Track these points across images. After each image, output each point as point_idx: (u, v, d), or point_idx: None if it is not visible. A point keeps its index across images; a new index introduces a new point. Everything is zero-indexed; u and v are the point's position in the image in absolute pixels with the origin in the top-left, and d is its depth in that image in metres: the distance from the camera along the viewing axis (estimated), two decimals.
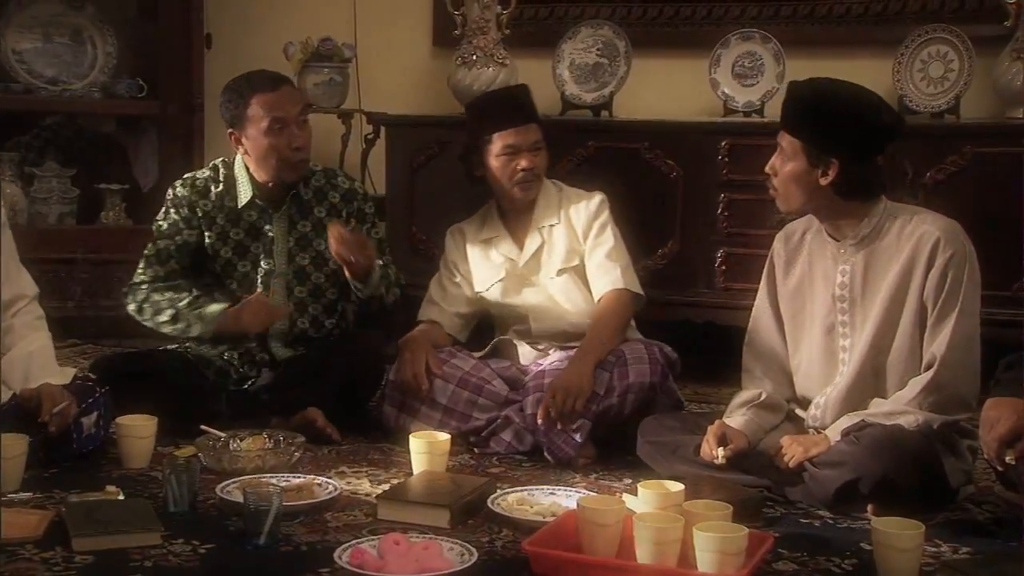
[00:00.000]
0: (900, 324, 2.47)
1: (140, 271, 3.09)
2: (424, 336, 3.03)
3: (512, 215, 3.09)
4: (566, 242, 3.03)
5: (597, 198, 3.06)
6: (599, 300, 2.97)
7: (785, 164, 2.49)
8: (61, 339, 4.03)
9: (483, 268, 3.10)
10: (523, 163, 2.97)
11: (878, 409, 2.46)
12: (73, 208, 4.33)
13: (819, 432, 2.52)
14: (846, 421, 2.46)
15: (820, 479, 2.39)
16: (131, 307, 3.07)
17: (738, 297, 3.51)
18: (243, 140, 2.99)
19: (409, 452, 2.63)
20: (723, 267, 3.64)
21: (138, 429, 2.67)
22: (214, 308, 2.98)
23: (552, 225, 3.04)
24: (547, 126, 3.08)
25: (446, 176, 3.91)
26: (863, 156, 2.46)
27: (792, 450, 2.47)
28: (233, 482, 2.45)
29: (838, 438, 2.43)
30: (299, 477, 2.53)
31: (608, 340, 2.88)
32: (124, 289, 3.11)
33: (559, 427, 2.76)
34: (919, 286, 2.44)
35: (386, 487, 2.55)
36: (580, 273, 3.03)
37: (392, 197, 4.04)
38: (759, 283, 2.73)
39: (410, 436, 2.65)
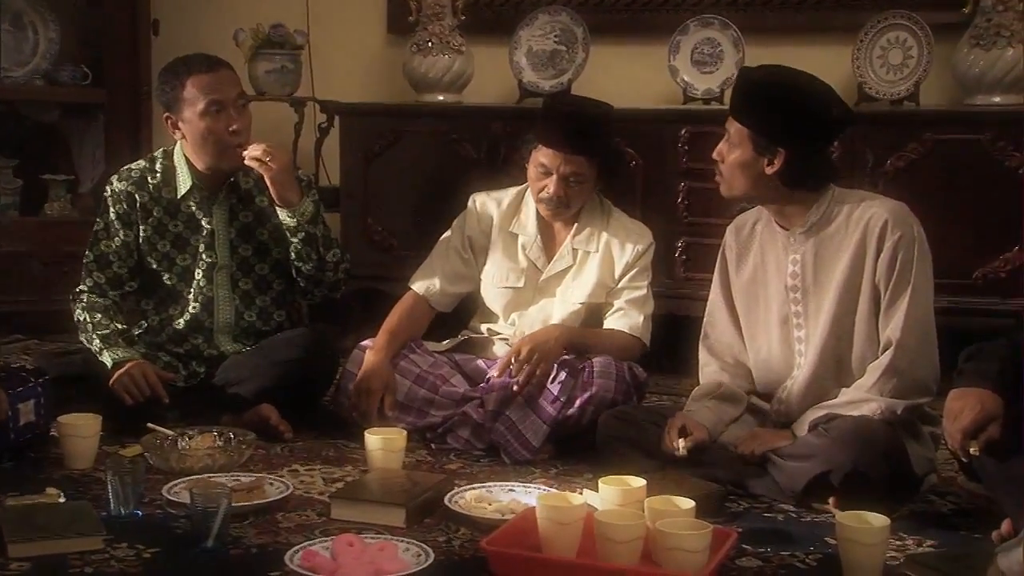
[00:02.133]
0: (857, 311, 2.44)
1: (82, 278, 3.00)
2: (384, 375, 2.84)
3: (550, 221, 2.93)
4: (598, 275, 2.88)
5: (646, 240, 2.92)
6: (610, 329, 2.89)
7: (732, 151, 2.46)
8: (4, 335, 3.96)
9: (503, 263, 2.96)
10: (551, 187, 2.82)
11: (840, 399, 2.43)
12: (15, 200, 4.20)
13: (784, 427, 2.49)
14: (812, 414, 2.43)
15: (789, 472, 2.36)
16: (75, 316, 2.97)
17: (699, 287, 3.45)
18: (179, 124, 2.90)
19: (364, 448, 2.56)
20: (683, 257, 3.60)
21: (81, 428, 2.58)
22: (113, 356, 2.84)
23: (589, 252, 2.90)
24: (606, 155, 2.87)
25: (402, 166, 3.87)
26: (810, 147, 2.44)
27: (759, 439, 2.45)
28: (180, 482, 2.38)
29: (804, 432, 2.40)
30: (250, 476, 2.46)
31: (595, 346, 2.83)
32: (71, 295, 3.01)
33: (514, 387, 2.71)
34: (871, 270, 2.41)
35: (340, 485, 2.48)
36: (598, 309, 2.91)
37: (347, 188, 3.95)
38: None
39: (365, 433, 2.58)
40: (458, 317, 3.12)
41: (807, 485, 2.33)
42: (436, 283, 2.98)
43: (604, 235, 2.91)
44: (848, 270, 2.43)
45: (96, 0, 4.23)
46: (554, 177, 2.81)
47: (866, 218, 2.43)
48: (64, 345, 3.82)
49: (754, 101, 2.44)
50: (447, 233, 3.03)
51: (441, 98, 3.98)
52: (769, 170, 2.42)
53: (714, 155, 2.51)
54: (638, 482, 2.22)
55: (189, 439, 2.63)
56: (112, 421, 2.70)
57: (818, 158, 2.47)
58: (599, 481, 2.24)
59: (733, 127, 2.46)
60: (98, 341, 2.87)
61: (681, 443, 2.45)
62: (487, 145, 3.76)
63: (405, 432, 2.60)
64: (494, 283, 2.97)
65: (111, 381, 2.79)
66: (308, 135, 4.20)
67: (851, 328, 2.45)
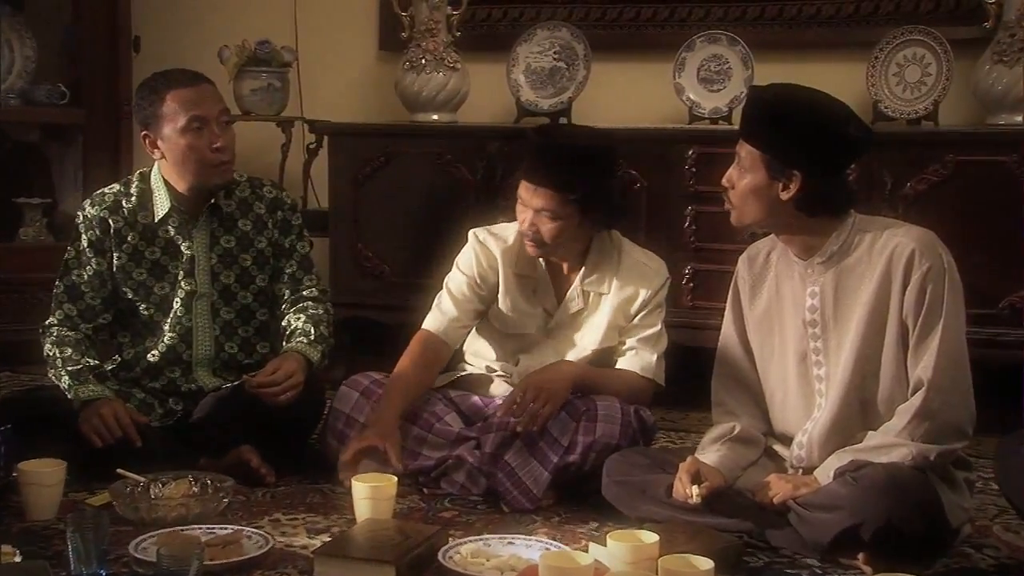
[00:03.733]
0: (883, 349, 2.25)
1: (52, 309, 2.81)
2: (388, 434, 2.58)
3: (554, 262, 2.72)
4: (610, 318, 2.68)
5: (661, 277, 2.72)
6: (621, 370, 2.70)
7: (743, 176, 2.28)
8: None
9: (512, 307, 2.74)
10: (527, 221, 2.62)
11: (867, 443, 2.24)
12: None
13: (805, 472, 2.31)
14: (836, 460, 2.24)
15: (814, 523, 2.17)
16: (44, 351, 2.78)
17: (707, 316, 3.30)
18: (158, 143, 2.72)
19: (347, 495, 2.38)
20: (691, 284, 3.42)
21: (43, 476, 2.39)
22: (82, 394, 2.65)
23: (601, 294, 2.70)
24: (589, 195, 2.58)
25: (395, 189, 3.71)
26: (828, 170, 2.26)
27: (778, 487, 2.25)
28: (150, 536, 2.19)
29: (830, 479, 2.21)
30: (226, 529, 2.26)
31: (604, 387, 2.64)
32: (40, 328, 2.81)
33: (518, 428, 2.52)
34: (898, 305, 2.23)
35: (325, 538, 2.30)
36: (610, 352, 2.71)
37: (336, 211, 3.78)
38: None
39: (352, 480, 2.38)
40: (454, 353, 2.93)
41: (834, 539, 2.14)
42: (453, 315, 2.74)
43: (615, 275, 2.70)
44: (872, 304, 2.25)
45: (75, 16, 4.06)
46: (530, 210, 2.61)
47: (890, 248, 2.25)
48: (38, 378, 3.66)
49: (767, 121, 2.27)
50: (452, 272, 2.80)
51: (435, 117, 3.81)
52: (784, 195, 2.25)
53: (723, 181, 2.33)
54: (650, 537, 2.04)
55: (162, 486, 2.43)
56: (81, 464, 2.51)
57: (836, 182, 2.30)
58: (608, 536, 2.06)
59: (744, 150, 2.29)
60: (67, 378, 2.68)
61: (694, 490, 2.26)
62: (483, 167, 3.59)
63: (395, 478, 2.41)
64: (503, 328, 2.77)
65: (79, 421, 2.60)
66: (296, 156, 4.04)
67: (877, 367, 2.26)
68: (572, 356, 2.71)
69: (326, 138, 3.85)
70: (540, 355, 2.73)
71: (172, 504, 2.37)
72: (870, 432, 2.26)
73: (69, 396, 2.66)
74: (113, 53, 4.00)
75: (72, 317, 2.79)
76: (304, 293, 2.86)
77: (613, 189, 2.69)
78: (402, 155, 3.70)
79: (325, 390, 2.85)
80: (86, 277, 2.79)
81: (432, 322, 2.76)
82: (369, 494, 2.33)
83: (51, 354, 2.74)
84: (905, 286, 2.21)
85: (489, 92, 3.88)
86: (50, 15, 4.18)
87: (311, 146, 3.96)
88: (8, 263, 3.93)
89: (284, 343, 2.78)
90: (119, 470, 2.46)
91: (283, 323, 2.83)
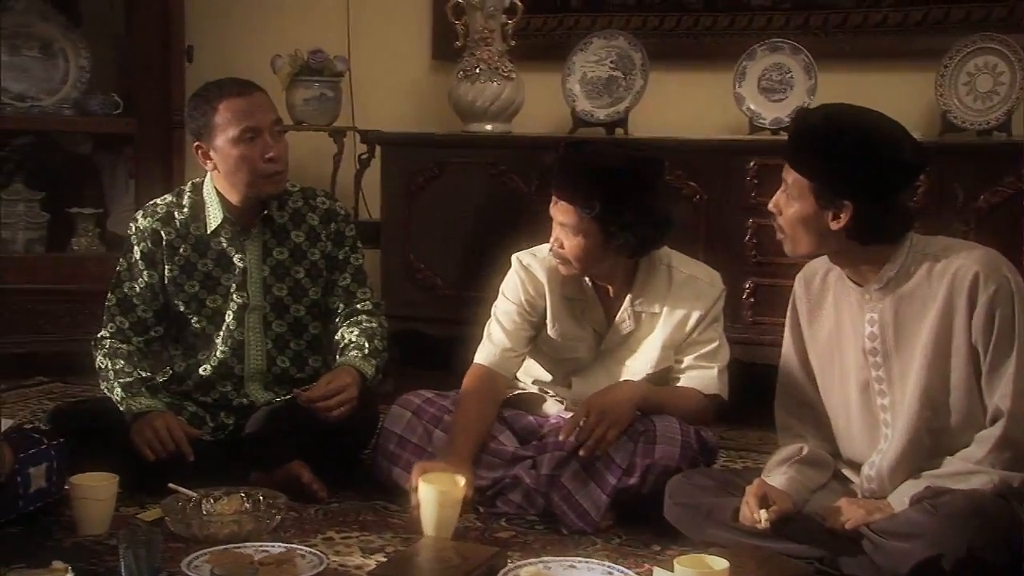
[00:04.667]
0: (952, 378, 2.14)
1: (104, 323, 2.78)
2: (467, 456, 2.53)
3: (601, 281, 2.64)
4: (664, 338, 2.59)
5: (716, 290, 2.62)
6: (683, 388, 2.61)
7: (790, 204, 2.17)
8: (26, 376, 3.76)
9: (562, 332, 2.66)
10: (553, 235, 2.57)
11: (945, 469, 2.14)
12: (42, 234, 4.03)
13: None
14: (911, 486, 2.14)
15: (891, 552, 2.06)
16: (96, 363, 2.75)
17: (769, 332, 3.20)
18: (211, 154, 2.68)
19: (411, 509, 2.36)
20: (751, 299, 3.32)
21: (95, 490, 2.35)
22: (135, 407, 2.61)
23: (653, 314, 2.61)
24: (612, 213, 2.47)
25: (447, 200, 3.65)
26: (881, 198, 2.13)
27: (851, 511, 2.15)
28: (203, 553, 2.15)
29: (904, 505, 2.11)
30: (280, 547, 2.21)
31: (667, 406, 2.55)
32: (92, 341, 2.78)
33: (580, 452, 2.45)
34: (964, 331, 2.11)
35: (380, 557, 2.24)
36: (667, 372, 2.63)
37: (388, 223, 3.73)
38: None
39: (420, 481, 2.32)
40: None
41: (912, 569, 2.03)
42: (506, 345, 2.66)
43: (667, 293, 2.61)
44: (936, 332, 2.13)
45: (128, 26, 4.05)
46: (557, 225, 2.56)
47: (951, 271, 2.12)
48: (89, 389, 3.64)
49: (813, 149, 2.14)
50: (499, 300, 2.73)
51: (489, 128, 3.74)
52: (835, 225, 2.13)
53: (770, 207, 2.22)
54: (719, 563, 1.95)
55: (214, 502, 2.39)
56: (131, 478, 2.47)
57: (891, 207, 2.16)
58: (675, 561, 1.98)
59: (791, 176, 2.17)
60: (119, 390, 2.65)
61: (763, 514, 2.17)
62: (538, 178, 3.51)
63: (464, 481, 2.34)
64: (554, 353, 2.70)
65: (132, 434, 2.56)
66: (348, 166, 3.99)
67: (946, 397, 2.15)
68: (628, 377, 2.62)
69: (378, 148, 3.80)
70: (594, 378, 2.65)
71: (224, 520, 2.32)
72: (947, 458, 2.16)
73: (121, 408, 2.63)
74: (166, 63, 3.97)
75: (124, 330, 2.76)
76: (358, 306, 2.80)
77: (643, 211, 2.50)
78: (455, 166, 3.64)
79: (378, 405, 2.79)
80: (138, 290, 2.76)
81: (485, 355, 2.68)
82: (437, 498, 2.27)
83: (103, 366, 2.71)
84: (971, 311, 2.10)
85: (544, 102, 3.81)
86: (104, 25, 4.18)
87: (363, 156, 3.91)
88: (60, 273, 3.91)
89: (337, 356, 2.73)
90: (171, 485, 2.42)
91: (336, 336, 2.78)
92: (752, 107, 3.56)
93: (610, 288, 2.65)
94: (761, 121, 3.54)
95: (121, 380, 2.66)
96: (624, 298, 2.63)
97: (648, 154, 2.74)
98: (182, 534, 2.30)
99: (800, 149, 2.17)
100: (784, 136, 3.41)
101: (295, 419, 2.62)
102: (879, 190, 2.12)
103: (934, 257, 2.16)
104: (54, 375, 3.81)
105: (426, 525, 2.30)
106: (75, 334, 3.82)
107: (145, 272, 2.75)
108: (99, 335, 2.77)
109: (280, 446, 2.62)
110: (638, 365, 2.62)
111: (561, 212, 2.53)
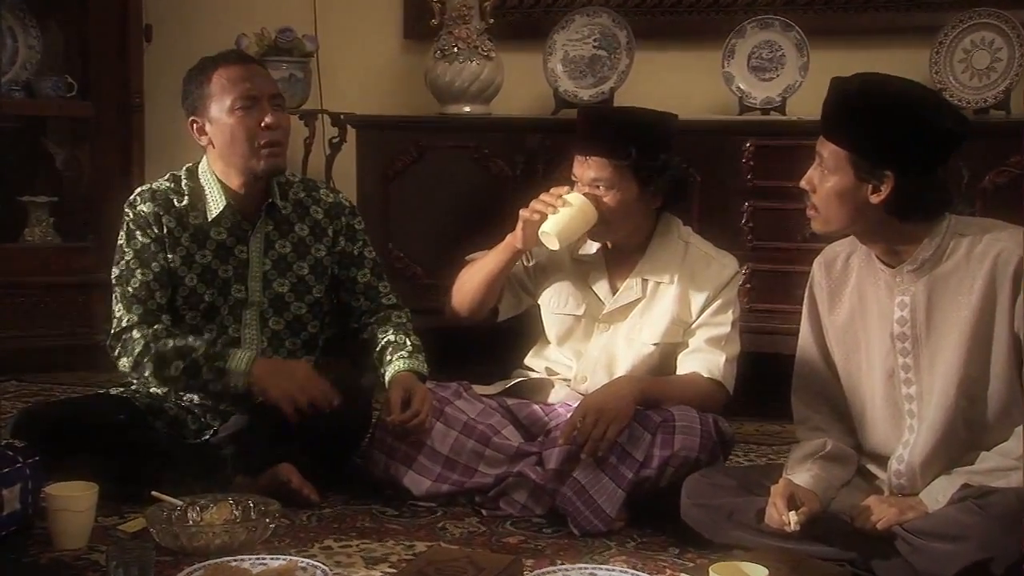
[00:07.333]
0: (992, 367, 2.05)
1: (123, 315, 2.52)
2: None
3: (613, 247, 2.58)
4: (674, 311, 2.51)
5: (731, 268, 2.55)
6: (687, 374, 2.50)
7: (827, 178, 2.07)
8: None
9: (564, 289, 2.61)
10: None
11: (981, 465, 2.05)
12: None
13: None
14: (946, 483, 2.04)
15: (933, 555, 1.96)
16: (125, 362, 2.51)
17: (767, 319, 3.12)
18: (206, 128, 2.50)
19: (400, 518, 2.27)
20: (748, 285, 3.21)
21: (74, 501, 2.18)
22: (244, 357, 2.46)
23: (661, 283, 2.53)
24: (645, 163, 2.46)
25: (426, 185, 3.49)
26: (924, 169, 2.04)
27: (881, 511, 2.05)
28: (197, 568, 1.98)
29: (939, 504, 2.01)
30: (278, 559, 2.05)
31: (670, 396, 2.43)
32: (108, 342, 2.54)
33: (582, 455, 2.34)
34: (1007, 317, 2.02)
35: (385, 568, 2.09)
36: (673, 349, 2.53)
37: (364, 210, 3.48)
38: (789, 303, 2.33)
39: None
40: (509, 356, 2.74)
41: (959, 574, 1.92)
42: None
43: (680, 263, 2.52)
44: (975, 317, 2.04)
45: (82, 4, 3.82)
46: (584, 188, 2.47)
47: (993, 253, 2.03)
48: (47, 388, 3.45)
49: (854, 117, 2.04)
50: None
51: (468, 109, 3.60)
52: (875, 199, 2.03)
53: (803, 184, 2.11)
54: (759, 571, 1.84)
55: (201, 510, 2.22)
56: (109, 486, 2.27)
57: (932, 181, 2.06)
58: (710, 569, 1.85)
59: (827, 149, 2.07)
60: (200, 355, 2.44)
61: (792, 517, 2.05)
62: (523, 161, 3.38)
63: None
64: (552, 309, 2.61)
65: (262, 391, 2.43)
66: (319, 151, 3.81)
67: (985, 386, 2.05)
68: (630, 352, 2.53)
69: (352, 132, 3.63)
70: (594, 352, 2.56)
71: (214, 531, 2.15)
72: (983, 453, 2.06)
73: (213, 377, 2.44)
74: (123, 43, 3.76)
75: (153, 311, 2.52)
76: (383, 301, 2.68)
77: (672, 160, 2.52)
78: (434, 149, 3.49)
79: (371, 403, 2.64)
80: (151, 276, 2.53)
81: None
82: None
83: (146, 359, 2.47)
84: (1015, 295, 2.00)
85: (525, 83, 3.68)
86: (56, 2, 3.95)
87: (334, 140, 3.75)
88: (12, 266, 3.68)
89: (378, 358, 2.60)
90: (153, 492, 2.25)
91: (366, 335, 2.64)
92: (742, 86, 3.46)
93: (625, 254, 2.57)
94: (751, 101, 3.44)
95: (194, 354, 2.44)
96: (631, 265, 2.56)
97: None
98: (169, 546, 2.14)
99: (838, 119, 2.06)
100: (781, 116, 3.34)
101: (280, 419, 2.45)
102: (923, 159, 2.03)
103: (973, 238, 2.06)
104: (7, 373, 3.59)
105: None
106: (32, 330, 3.63)
107: (160, 255, 2.53)
108: (117, 330, 2.52)
109: (268, 447, 2.45)
110: (643, 337, 2.53)
111: (593, 168, 2.47)
